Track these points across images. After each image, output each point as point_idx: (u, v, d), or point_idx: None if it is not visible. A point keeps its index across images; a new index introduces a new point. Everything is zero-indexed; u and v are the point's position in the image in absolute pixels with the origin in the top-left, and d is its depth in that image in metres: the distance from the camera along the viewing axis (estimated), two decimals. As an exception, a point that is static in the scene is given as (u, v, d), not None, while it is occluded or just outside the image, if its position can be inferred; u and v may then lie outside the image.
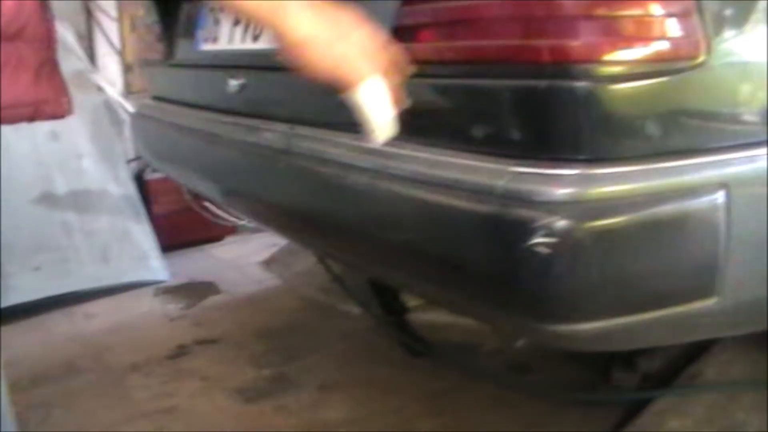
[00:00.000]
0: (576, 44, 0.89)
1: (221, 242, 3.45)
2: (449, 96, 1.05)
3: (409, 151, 1.08)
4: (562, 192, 0.90)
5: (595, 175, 0.92)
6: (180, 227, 3.27)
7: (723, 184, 0.99)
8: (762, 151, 1.04)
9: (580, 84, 0.90)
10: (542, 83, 0.91)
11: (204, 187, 1.83)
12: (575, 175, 0.91)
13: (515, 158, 0.95)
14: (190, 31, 1.89)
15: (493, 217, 0.93)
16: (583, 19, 0.89)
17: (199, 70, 1.82)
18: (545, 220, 0.88)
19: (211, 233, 3.41)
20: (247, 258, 3.17)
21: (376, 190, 1.12)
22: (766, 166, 1.04)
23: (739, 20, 1.01)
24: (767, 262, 1.07)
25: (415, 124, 1.08)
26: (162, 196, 3.23)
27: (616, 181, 0.92)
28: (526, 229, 0.89)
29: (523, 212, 0.90)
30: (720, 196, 0.99)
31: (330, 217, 1.28)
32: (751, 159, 1.03)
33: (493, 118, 0.99)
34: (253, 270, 3.05)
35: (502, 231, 0.92)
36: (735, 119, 1.03)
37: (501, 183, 0.93)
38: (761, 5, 1.02)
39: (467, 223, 0.97)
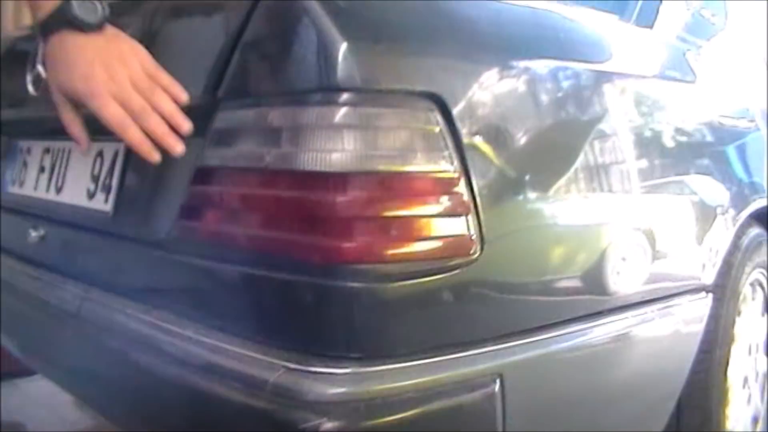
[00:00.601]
0: (347, 245, 0.91)
1: (34, 376, 3.21)
2: (231, 281, 1.04)
3: (191, 333, 1.05)
4: (332, 391, 0.90)
5: (367, 373, 0.92)
6: (-11, 359, 3.02)
7: (497, 374, 1.02)
8: (534, 336, 1.09)
9: (352, 284, 0.91)
10: (314, 281, 0.92)
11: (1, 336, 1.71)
12: (347, 373, 0.91)
13: (290, 352, 0.94)
14: (2, 170, 1.81)
15: (263, 415, 0.91)
16: (353, 220, 0.91)
17: (4, 212, 1.74)
18: (314, 421, 0.87)
19: (23, 365, 3.15)
20: (62, 395, 2.95)
21: (155, 370, 1.08)
22: (538, 352, 1.08)
23: (512, 216, 1.07)
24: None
25: (199, 305, 1.06)
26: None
27: (388, 379, 0.93)
28: (294, 430, 0.87)
29: (293, 412, 0.89)
30: (494, 387, 1.02)
31: (113, 392, 1.22)
32: (525, 347, 1.07)
33: (270, 310, 0.98)
34: (66, 410, 2.84)
35: (273, 430, 0.90)
36: (508, 309, 1.08)
37: (272, 378, 0.91)
38: (532, 203, 1.08)
39: (239, 417, 0.94)
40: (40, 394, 3.03)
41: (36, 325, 1.46)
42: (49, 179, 1.52)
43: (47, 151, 1.56)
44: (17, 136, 1.74)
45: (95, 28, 1.01)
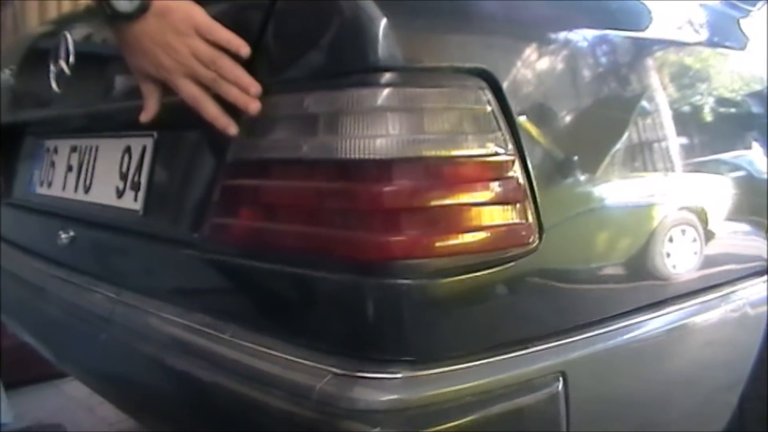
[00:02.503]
0: (394, 239, 0.83)
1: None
2: (269, 281, 0.97)
3: (229, 336, 0.99)
4: (384, 398, 0.83)
5: (421, 377, 0.85)
6: (29, 360, 2.99)
7: (560, 372, 0.95)
8: (596, 330, 1.01)
9: (401, 281, 0.84)
10: (360, 279, 0.85)
11: (32, 341, 1.67)
12: (399, 378, 0.84)
13: (337, 357, 0.87)
14: (29, 171, 1.77)
15: (309, 425, 0.84)
16: (400, 211, 0.83)
17: (33, 214, 1.69)
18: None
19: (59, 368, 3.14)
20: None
21: (191, 376, 1.02)
22: (601, 347, 1.00)
23: (570, 200, 0.99)
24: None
25: (237, 307, 1.00)
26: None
27: (444, 383, 0.86)
28: (343, 441, 0.80)
29: (341, 422, 0.82)
30: (557, 386, 0.94)
31: (148, 398, 1.16)
32: (587, 341, 1.00)
33: (313, 311, 0.92)
34: (105, 410, 2.82)
35: (319, 442, 0.83)
36: (569, 301, 1.00)
37: (318, 385, 0.84)
38: (591, 184, 1.00)
39: (283, 427, 0.88)
40: (79, 395, 3.01)
41: (68, 330, 1.41)
42: (77, 178, 1.47)
43: (74, 149, 1.51)
44: (43, 136, 1.69)
45: (138, 14, 0.98)
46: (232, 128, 0.98)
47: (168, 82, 1.01)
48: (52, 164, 1.62)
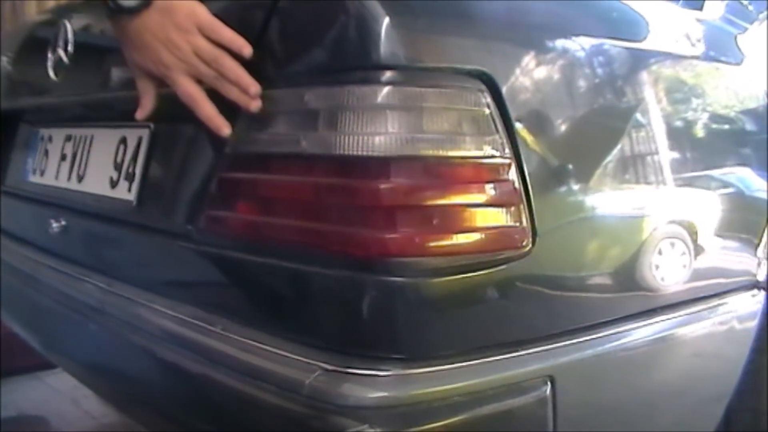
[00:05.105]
0: (389, 236, 0.84)
1: (57, 368, 3.17)
2: (263, 275, 0.97)
3: (220, 329, 0.98)
4: (374, 395, 0.83)
5: (411, 375, 0.85)
6: (13, 351, 2.98)
7: (548, 376, 0.95)
8: (585, 336, 1.02)
9: (394, 278, 0.84)
10: (353, 275, 0.85)
11: (20, 329, 1.67)
12: (389, 375, 0.84)
13: (328, 352, 0.88)
14: (22, 159, 1.76)
15: (298, 420, 0.84)
16: (396, 209, 0.83)
17: (24, 202, 1.69)
18: (354, 428, 0.80)
19: (47, 358, 3.12)
20: (85, 389, 2.91)
21: (181, 369, 1.02)
22: (590, 353, 1.01)
23: (565, 205, 0.99)
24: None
25: (229, 300, 1.00)
26: (-8, 315, 2.94)
27: (434, 382, 0.86)
28: (332, 438, 0.80)
29: (331, 417, 0.82)
30: (546, 390, 0.95)
31: (137, 390, 1.16)
32: (576, 347, 1.00)
33: (306, 306, 0.92)
34: (90, 403, 2.81)
35: (308, 437, 0.83)
36: (559, 306, 1.00)
37: (308, 380, 0.84)
38: (586, 192, 1.00)
39: (272, 421, 0.88)
40: (64, 388, 3.00)
41: (58, 320, 1.40)
42: (71, 168, 1.47)
43: (69, 138, 1.50)
44: (38, 124, 1.69)
45: (141, 9, 0.98)
46: (225, 129, 0.98)
47: (166, 78, 1.01)
48: (46, 153, 1.61)
